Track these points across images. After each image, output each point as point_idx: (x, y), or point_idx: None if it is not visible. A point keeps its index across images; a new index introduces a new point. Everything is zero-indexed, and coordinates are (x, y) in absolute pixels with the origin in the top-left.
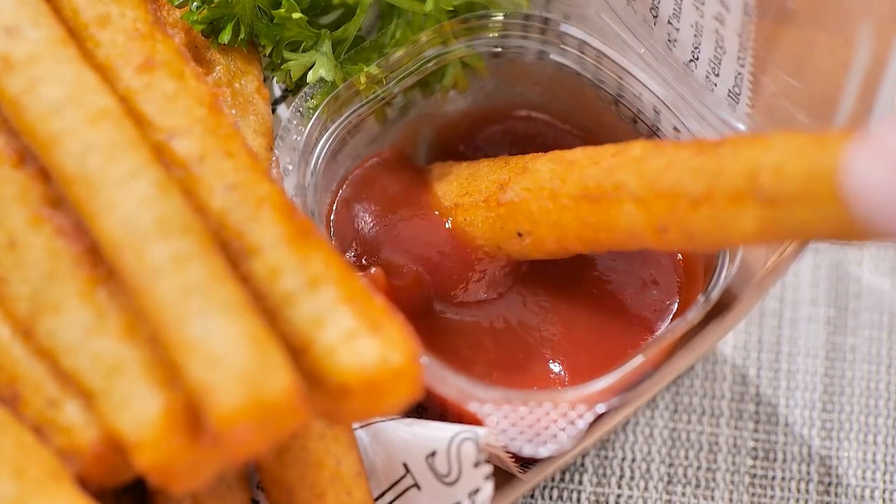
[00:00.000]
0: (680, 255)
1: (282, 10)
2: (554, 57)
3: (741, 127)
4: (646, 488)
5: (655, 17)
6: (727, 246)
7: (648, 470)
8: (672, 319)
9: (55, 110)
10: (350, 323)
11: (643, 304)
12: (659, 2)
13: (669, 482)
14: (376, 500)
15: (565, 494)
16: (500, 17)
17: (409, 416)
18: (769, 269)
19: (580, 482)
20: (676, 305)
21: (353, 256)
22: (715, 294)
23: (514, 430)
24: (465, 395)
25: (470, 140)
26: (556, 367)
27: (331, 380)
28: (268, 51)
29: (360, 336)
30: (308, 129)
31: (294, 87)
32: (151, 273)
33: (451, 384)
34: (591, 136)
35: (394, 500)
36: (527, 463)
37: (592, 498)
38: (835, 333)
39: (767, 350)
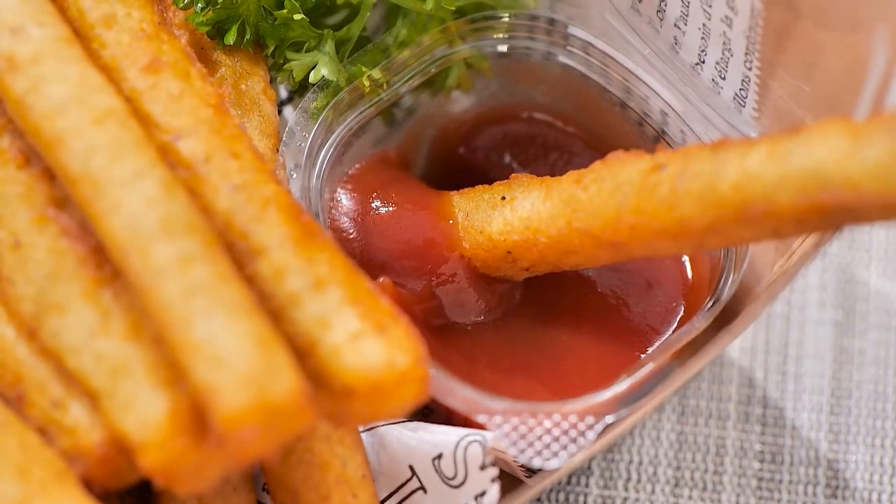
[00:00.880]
0: (685, 258)
1: (284, 11)
2: (560, 58)
3: (749, 131)
4: (652, 491)
5: (661, 19)
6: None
7: (655, 473)
8: (679, 324)
9: (60, 110)
10: (355, 324)
11: (649, 309)
12: (665, 4)
13: (676, 485)
14: (382, 502)
15: (571, 497)
16: (505, 18)
17: (415, 419)
18: (778, 273)
19: (586, 485)
20: (682, 309)
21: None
22: (723, 299)
23: (523, 443)
24: (473, 406)
25: (472, 141)
26: (563, 376)
27: (336, 381)
28: (271, 51)
29: (366, 337)
30: (313, 130)
31: (299, 89)
32: (156, 273)
33: (459, 395)
34: (596, 138)
35: (400, 503)
36: (533, 468)
37: (599, 501)
38: (842, 336)
39: (775, 353)
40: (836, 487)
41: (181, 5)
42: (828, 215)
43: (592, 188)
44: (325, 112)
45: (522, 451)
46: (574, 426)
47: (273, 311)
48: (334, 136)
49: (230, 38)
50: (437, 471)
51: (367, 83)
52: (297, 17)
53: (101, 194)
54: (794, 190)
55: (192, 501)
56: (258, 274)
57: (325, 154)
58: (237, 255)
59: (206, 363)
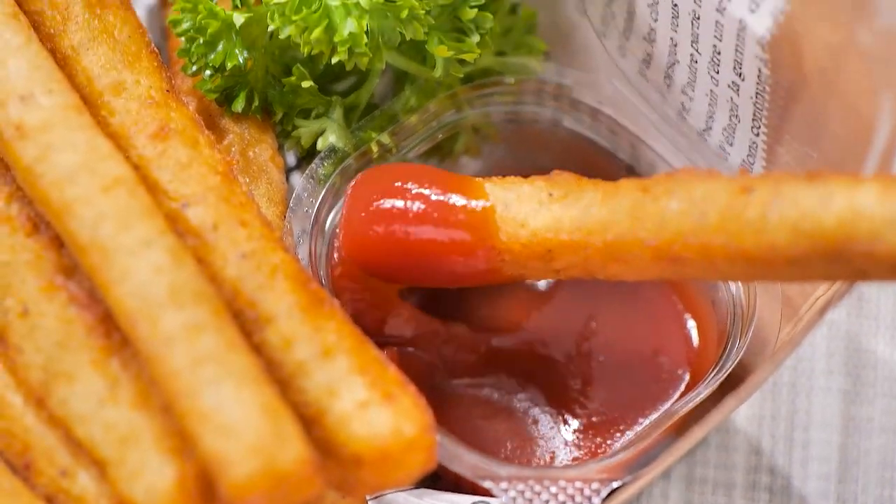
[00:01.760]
0: (691, 322)
1: (292, 79)
2: (567, 124)
3: None
4: None
5: (669, 85)
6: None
7: None
8: (685, 390)
9: (69, 178)
10: (363, 393)
11: (653, 375)
12: (673, 70)
13: None
14: None
15: None
16: (513, 84)
17: (423, 486)
18: (784, 340)
19: None
20: (688, 376)
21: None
22: (728, 366)
23: None
24: (479, 472)
25: None
26: (569, 441)
27: (344, 450)
28: (280, 117)
29: (374, 406)
30: (321, 197)
31: (307, 155)
32: (165, 342)
33: (465, 461)
34: None
35: None
36: None
37: None
38: (850, 404)
39: (782, 420)
40: None
41: (189, 72)
42: None
43: (663, 200)
44: (332, 178)
45: None
46: (580, 492)
47: (281, 379)
48: (342, 202)
49: (238, 106)
50: None
51: (375, 148)
52: (306, 84)
53: (110, 262)
54: None
55: None
56: (266, 342)
57: (332, 220)
58: (245, 323)
59: (214, 432)
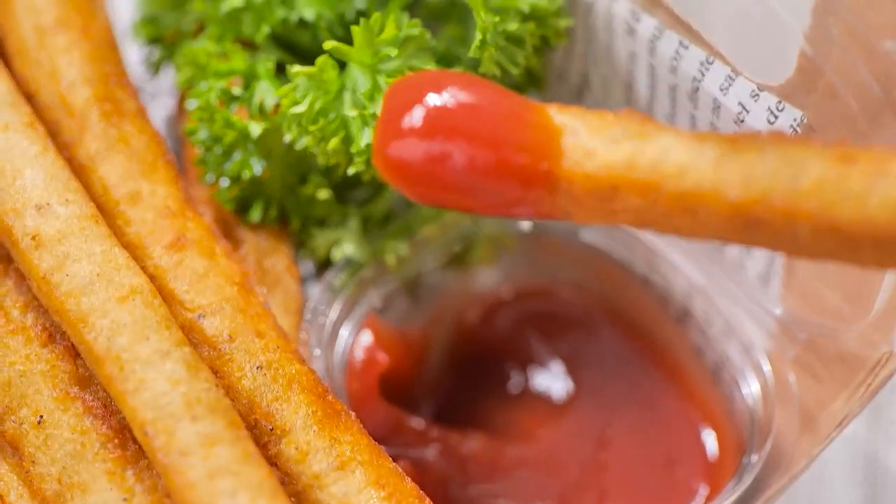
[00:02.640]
0: (708, 433)
1: (309, 189)
2: (583, 235)
3: (775, 310)
4: None
5: None
6: None
7: None
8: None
9: (85, 288)
10: None
11: (669, 487)
12: None
13: None
14: None
15: None
16: None
17: None
18: (801, 451)
19: None
20: (704, 489)
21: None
22: (746, 480)
23: None
24: None
25: (496, 318)
26: None
27: None
28: (296, 227)
29: None
30: (337, 307)
31: (323, 264)
32: (180, 453)
33: None
34: (619, 314)
35: None
36: None
37: None
38: None
39: None
40: None
41: (206, 181)
42: None
43: (753, 155)
44: (348, 288)
45: None
46: None
47: (297, 492)
48: (357, 313)
49: (254, 215)
50: None
51: (391, 259)
52: (323, 196)
53: (126, 373)
54: None
55: None
56: (282, 454)
57: (348, 331)
58: (261, 434)
59: None
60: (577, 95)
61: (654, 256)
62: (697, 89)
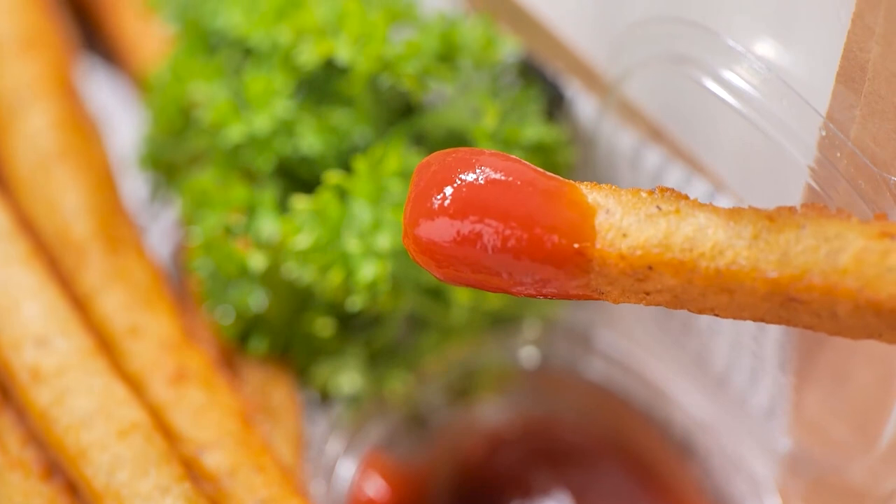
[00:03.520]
0: None
1: (311, 325)
2: (585, 369)
3: (781, 444)
4: None
5: (690, 330)
6: None
7: None
8: None
9: (84, 423)
10: None
11: None
12: (692, 316)
13: None
14: None
15: None
16: (533, 330)
17: None
18: None
19: None
20: None
21: None
22: None
23: None
24: None
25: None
26: None
27: None
28: (297, 358)
29: None
30: (338, 441)
31: (325, 395)
32: None
33: None
34: (621, 447)
35: None
36: None
37: None
38: None
39: None
40: None
41: (207, 314)
42: None
43: (791, 232)
44: (350, 422)
45: None
46: None
47: None
48: (359, 447)
49: (256, 348)
50: None
51: (393, 392)
52: (326, 332)
53: None
54: None
55: None
56: None
57: (350, 466)
58: None
59: None
60: None
61: (657, 391)
62: None
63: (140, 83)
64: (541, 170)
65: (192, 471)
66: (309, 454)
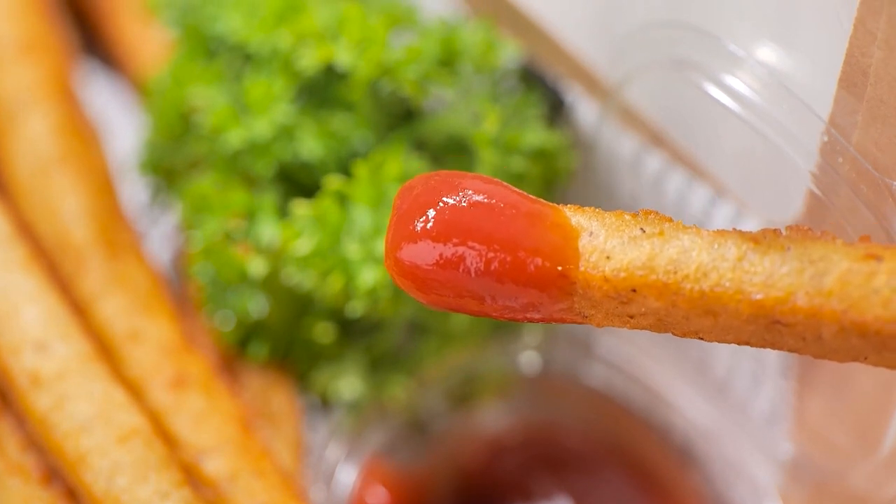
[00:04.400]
0: None
1: (311, 330)
2: (585, 376)
3: (783, 450)
4: None
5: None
6: None
7: None
8: None
9: (84, 428)
10: None
11: None
12: None
13: None
14: None
15: None
16: (533, 336)
17: None
18: None
19: None
20: None
21: None
22: None
23: None
24: None
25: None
26: None
27: None
28: (298, 363)
29: None
30: (338, 447)
31: (325, 400)
32: None
33: None
34: (622, 453)
35: None
36: None
37: None
38: None
39: None
40: None
41: (208, 320)
42: None
43: (775, 254)
44: (351, 427)
45: None
46: None
47: None
48: (359, 452)
49: (256, 353)
50: None
51: (394, 399)
52: (326, 338)
53: None
54: None
55: None
56: None
57: (350, 471)
58: None
59: None
60: None
61: (657, 397)
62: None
63: (140, 88)
64: (524, 193)
65: (191, 476)
66: (309, 460)
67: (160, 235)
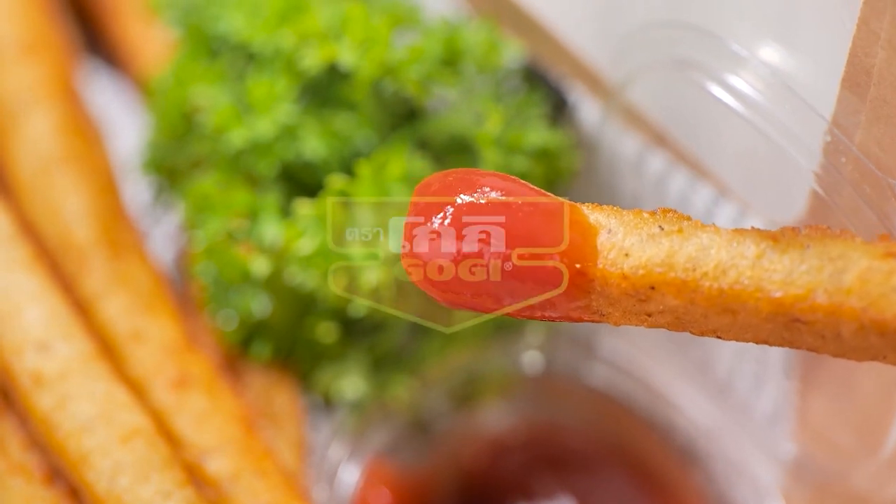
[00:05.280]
0: None
1: (314, 330)
2: (587, 376)
3: (785, 451)
4: None
5: (691, 336)
6: None
7: None
8: None
9: (86, 428)
10: None
11: None
12: None
13: None
14: None
15: None
16: (536, 336)
17: None
18: None
19: None
20: None
21: None
22: None
23: None
24: None
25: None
26: None
27: None
28: (300, 362)
29: None
30: (340, 447)
31: (328, 399)
32: None
33: None
34: (624, 453)
35: None
36: None
37: None
38: None
39: None
40: None
41: (210, 319)
42: None
43: (794, 252)
44: (353, 427)
45: None
46: None
47: None
48: (362, 452)
49: (259, 353)
50: None
51: (397, 399)
52: (329, 338)
53: None
54: None
55: None
56: None
57: (352, 471)
58: None
59: None
60: None
61: (659, 398)
62: None
63: (142, 87)
64: (540, 189)
65: (194, 476)
66: (311, 459)
67: (163, 235)
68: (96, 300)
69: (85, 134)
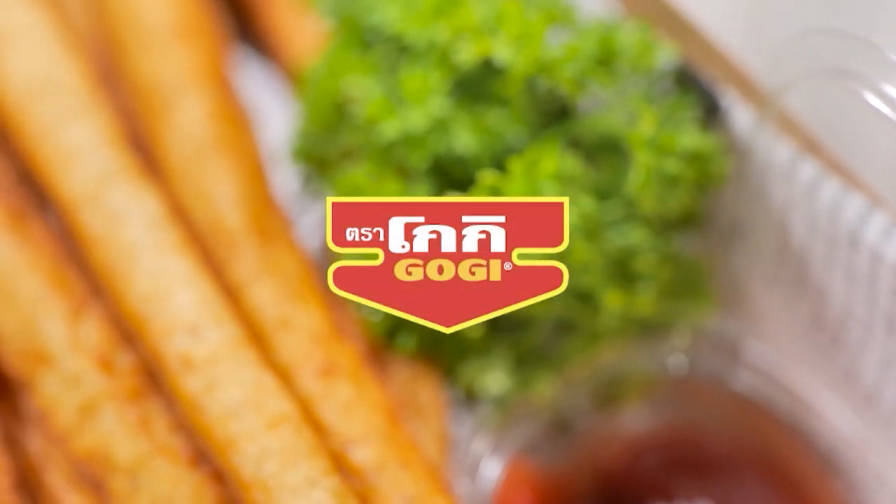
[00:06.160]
0: None
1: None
2: (731, 380)
3: None
4: None
5: (838, 344)
6: None
7: None
8: None
9: (234, 413)
10: None
11: None
12: (842, 330)
13: None
14: None
15: None
16: (682, 338)
17: None
18: None
19: None
20: None
21: None
22: None
23: None
24: None
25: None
26: None
27: None
28: (444, 355)
29: None
30: (483, 442)
31: (470, 394)
32: None
33: None
34: (764, 460)
35: None
36: None
37: None
38: None
39: None
40: None
41: (358, 309)
42: None
43: None
44: (496, 424)
45: None
46: None
47: None
48: (504, 449)
49: (403, 345)
50: None
51: (539, 396)
52: (475, 332)
53: (273, 500)
54: None
55: None
56: None
57: (494, 468)
58: None
59: None
60: (727, 237)
61: (802, 406)
62: (857, 238)
63: (293, 77)
64: None
65: (339, 465)
66: (454, 453)
67: (310, 224)
68: (245, 286)
69: (236, 121)
